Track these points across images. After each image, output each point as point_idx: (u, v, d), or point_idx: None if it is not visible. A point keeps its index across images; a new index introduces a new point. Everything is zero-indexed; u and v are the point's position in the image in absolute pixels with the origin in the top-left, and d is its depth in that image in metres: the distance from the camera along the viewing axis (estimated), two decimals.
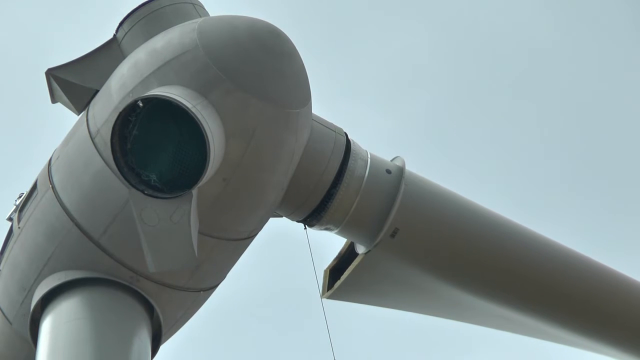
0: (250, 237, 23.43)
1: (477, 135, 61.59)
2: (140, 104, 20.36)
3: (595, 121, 61.45)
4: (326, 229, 24.73)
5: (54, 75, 23.74)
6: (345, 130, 24.24)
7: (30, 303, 22.34)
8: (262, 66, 21.36)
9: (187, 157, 20.48)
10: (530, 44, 61.88)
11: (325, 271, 26.36)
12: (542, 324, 26.38)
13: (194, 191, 20.36)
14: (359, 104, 61.21)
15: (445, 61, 62.47)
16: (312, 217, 24.32)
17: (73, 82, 23.47)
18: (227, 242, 22.83)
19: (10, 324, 23.45)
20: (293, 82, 21.86)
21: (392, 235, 24.11)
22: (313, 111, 23.06)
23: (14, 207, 23.88)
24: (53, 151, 23.54)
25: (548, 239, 25.67)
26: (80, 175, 22.13)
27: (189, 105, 20.09)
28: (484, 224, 25.07)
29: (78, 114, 23.54)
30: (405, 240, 24.26)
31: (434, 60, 62.76)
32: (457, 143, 61.36)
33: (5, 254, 23.60)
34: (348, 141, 24.05)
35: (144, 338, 21.67)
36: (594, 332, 26.51)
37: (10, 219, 23.99)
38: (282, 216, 24.62)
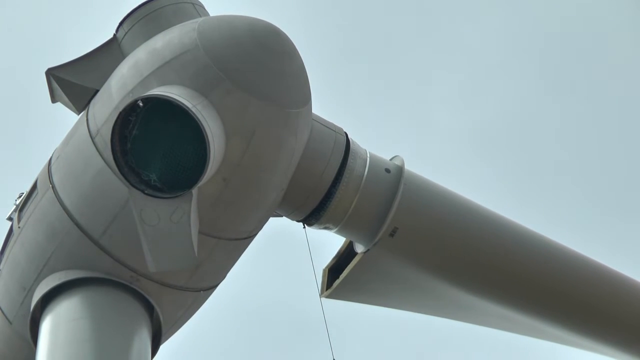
0: (250, 237, 23.31)
1: (556, 132, 60.90)
2: (141, 104, 20.24)
3: None
4: (325, 227, 24.60)
5: (54, 74, 23.63)
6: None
7: (30, 303, 22.23)
8: (262, 66, 21.26)
9: (187, 156, 20.38)
10: (610, 40, 60.84)
11: (324, 270, 26.26)
12: (541, 324, 26.27)
13: (194, 191, 20.25)
14: (435, 100, 60.98)
15: (519, 56, 61.78)
16: (312, 216, 24.17)
17: (73, 82, 23.38)
18: (227, 241, 22.70)
19: (10, 323, 23.31)
20: (293, 82, 21.75)
21: (391, 235, 24.00)
22: (313, 110, 22.96)
23: (14, 206, 23.77)
24: (53, 151, 23.41)
25: (548, 239, 25.57)
26: (81, 175, 22.00)
27: (189, 105, 19.98)
28: (483, 223, 24.95)
29: (78, 114, 23.43)
30: (404, 240, 24.14)
31: (511, 55, 61.98)
32: (535, 141, 60.75)
33: (6, 254, 23.49)
34: (348, 141, 23.91)
35: (144, 337, 21.57)
36: (593, 332, 26.41)
37: (10, 218, 23.88)
38: (282, 216, 24.52)
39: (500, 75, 61.40)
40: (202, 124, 19.75)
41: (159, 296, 22.42)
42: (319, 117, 23.71)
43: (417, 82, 60.38)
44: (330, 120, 24.03)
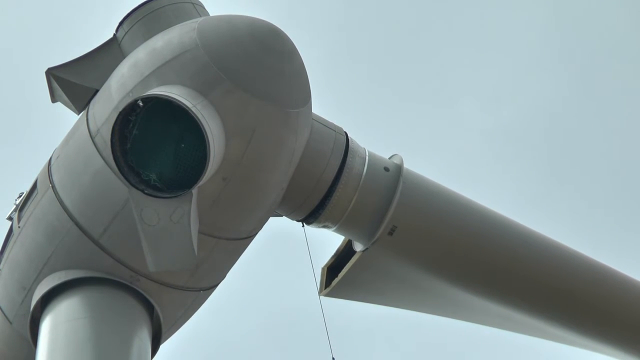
0: (250, 237, 23.14)
1: (594, 134, 59.65)
2: (140, 104, 20.07)
3: None
4: (324, 226, 24.42)
5: (54, 74, 23.43)
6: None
7: (30, 302, 22.05)
8: (262, 66, 21.08)
9: (187, 156, 20.23)
10: None
11: (322, 269, 26.07)
12: (541, 323, 26.10)
13: (194, 191, 20.06)
14: (463, 98, 60.22)
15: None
16: (311, 215, 23.98)
17: (73, 82, 23.18)
18: (227, 241, 22.53)
19: (10, 323, 23.14)
20: (293, 82, 21.57)
21: (390, 233, 23.81)
22: (313, 110, 22.78)
23: (14, 206, 23.60)
24: (53, 151, 23.24)
25: (547, 237, 25.37)
26: (80, 174, 21.84)
27: (189, 104, 19.81)
28: (482, 221, 24.76)
29: (78, 114, 23.25)
30: (403, 238, 23.95)
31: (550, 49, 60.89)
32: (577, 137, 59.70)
33: (5, 254, 23.31)
34: (348, 140, 23.72)
35: (144, 337, 21.39)
36: (595, 331, 26.23)
37: (10, 218, 23.72)
38: (282, 215, 24.36)
39: (534, 72, 60.30)
40: (202, 124, 19.57)
41: (159, 296, 22.24)
42: (318, 116, 23.54)
43: (445, 78, 59.65)
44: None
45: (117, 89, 21.73)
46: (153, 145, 20.28)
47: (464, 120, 59.33)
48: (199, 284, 23.06)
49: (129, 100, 20.48)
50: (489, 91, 60.38)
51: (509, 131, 59.51)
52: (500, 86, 60.67)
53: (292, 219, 24.32)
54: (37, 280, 22.18)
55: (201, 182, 19.93)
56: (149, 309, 22.09)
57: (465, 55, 60.11)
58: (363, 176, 23.68)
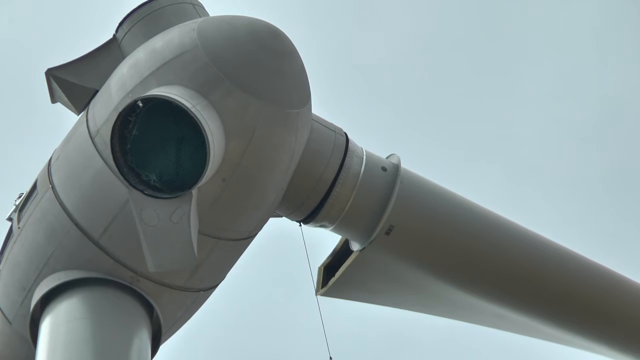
0: (250, 237, 22.89)
1: None
2: (140, 104, 19.80)
3: None
4: (321, 226, 24.21)
5: (53, 75, 23.22)
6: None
7: (30, 303, 21.80)
8: (262, 66, 20.84)
9: (187, 157, 19.96)
10: None
11: (319, 268, 25.81)
12: (537, 323, 25.88)
13: (194, 191, 19.83)
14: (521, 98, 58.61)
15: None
16: (309, 215, 23.72)
17: (73, 82, 22.97)
18: (227, 242, 22.27)
19: (10, 323, 22.88)
20: (293, 82, 21.32)
21: (387, 233, 23.57)
22: (313, 111, 22.57)
23: (14, 207, 23.37)
24: (53, 151, 22.98)
25: (544, 238, 25.17)
26: (80, 175, 21.58)
27: (188, 105, 19.57)
28: (480, 222, 24.52)
29: (78, 114, 23.03)
30: (400, 238, 23.71)
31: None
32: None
33: (5, 254, 23.08)
34: (347, 141, 23.46)
35: (143, 338, 21.17)
36: (590, 331, 26.06)
37: (10, 219, 23.50)
38: (281, 216, 24.15)
39: (599, 66, 58.64)
40: (201, 124, 19.32)
41: (159, 296, 21.98)
42: (319, 117, 23.31)
43: (500, 77, 58.47)
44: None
45: (117, 90, 21.49)
46: (153, 145, 20.00)
47: (521, 122, 58.16)
48: (198, 285, 22.80)
49: (128, 100, 20.24)
50: (551, 88, 58.83)
51: (569, 132, 58.20)
52: (562, 84, 59.19)
53: (292, 220, 24.10)
54: (37, 281, 21.93)
55: (201, 183, 19.69)
56: (149, 309, 21.84)
57: (526, 51, 58.74)
58: (360, 176, 23.44)
